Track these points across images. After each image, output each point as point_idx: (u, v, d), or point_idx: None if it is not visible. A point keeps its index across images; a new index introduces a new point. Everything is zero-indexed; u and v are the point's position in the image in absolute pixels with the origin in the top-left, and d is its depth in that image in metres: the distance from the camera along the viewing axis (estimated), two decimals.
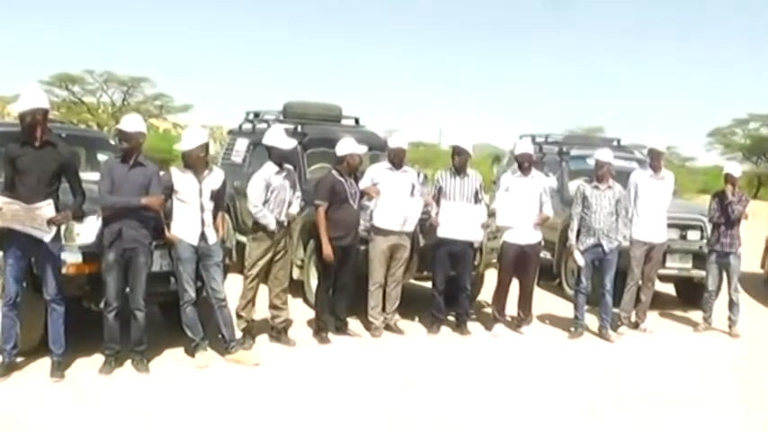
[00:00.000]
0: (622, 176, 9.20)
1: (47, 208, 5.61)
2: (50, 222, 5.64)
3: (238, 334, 6.87)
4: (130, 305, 6.15)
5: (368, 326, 7.84)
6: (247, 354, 6.72)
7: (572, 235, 8.22)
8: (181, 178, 6.38)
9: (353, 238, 7.43)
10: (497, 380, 6.69)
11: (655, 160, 8.72)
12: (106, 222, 6.05)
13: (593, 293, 8.28)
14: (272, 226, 6.89)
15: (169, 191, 6.34)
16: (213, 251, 6.50)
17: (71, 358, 6.15)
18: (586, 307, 8.34)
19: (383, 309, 7.83)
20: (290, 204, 7.07)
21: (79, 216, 6.03)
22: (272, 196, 6.92)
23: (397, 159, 7.82)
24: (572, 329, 8.33)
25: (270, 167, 7.00)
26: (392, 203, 7.63)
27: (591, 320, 8.48)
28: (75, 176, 5.90)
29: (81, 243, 6.17)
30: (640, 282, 8.67)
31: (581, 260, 8.13)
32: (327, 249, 7.20)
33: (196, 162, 6.39)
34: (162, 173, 6.49)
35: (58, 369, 5.92)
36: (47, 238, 5.67)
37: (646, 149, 9.05)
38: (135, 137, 6.10)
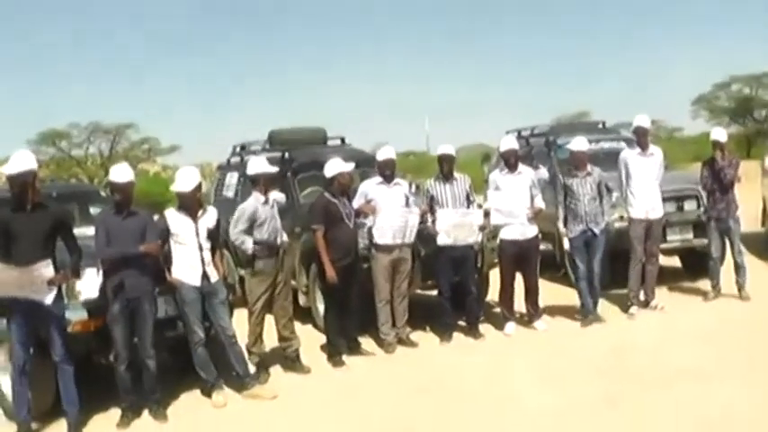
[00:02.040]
0: (612, 157, 9.23)
1: (45, 269, 5.59)
2: (50, 283, 5.61)
3: (252, 369, 6.85)
4: (140, 354, 6.12)
5: (380, 343, 7.80)
6: (264, 388, 6.68)
7: (560, 224, 8.34)
8: (176, 221, 6.37)
9: (354, 257, 7.41)
10: (514, 380, 6.67)
11: (641, 137, 8.74)
12: (107, 275, 6.03)
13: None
14: (250, 250, 6.88)
15: (166, 235, 6.33)
16: (217, 289, 6.48)
17: (87, 416, 6.11)
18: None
19: (393, 324, 7.80)
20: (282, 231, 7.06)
21: (77, 273, 6.01)
22: (261, 227, 6.89)
23: (389, 171, 7.80)
24: (582, 318, 8.30)
25: (256, 198, 6.99)
26: (389, 218, 7.60)
27: (603, 305, 8.47)
28: (70, 234, 5.89)
29: (84, 299, 6.16)
30: (644, 259, 8.64)
31: (567, 245, 8.32)
32: (330, 272, 7.17)
33: (192, 202, 6.38)
34: (156, 217, 6.49)
35: (75, 429, 5.89)
36: (48, 299, 5.65)
37: (632, 128, 9.06)
38: (126, 187, 6.09)
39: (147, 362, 6.14)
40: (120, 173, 6.14)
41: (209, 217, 6.50)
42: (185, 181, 6.38)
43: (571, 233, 8.21)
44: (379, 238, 7.59)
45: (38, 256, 5.60)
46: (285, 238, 7.15)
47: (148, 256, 6.07)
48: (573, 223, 8.21)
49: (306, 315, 8.51)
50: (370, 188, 7.82)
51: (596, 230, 8.15)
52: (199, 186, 6.47)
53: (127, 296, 5.99)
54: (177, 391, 6.65)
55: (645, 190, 8.59)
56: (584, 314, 8.29)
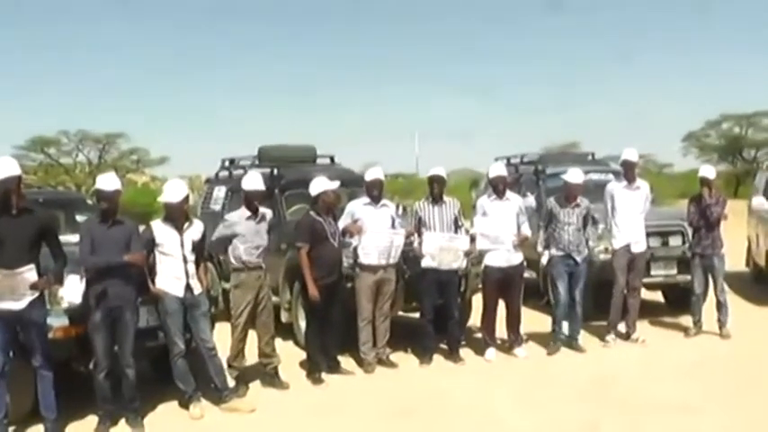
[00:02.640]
0: (600, 189, 9.33)
1: (29, 273, 5.62)
2: (32, 287, 5.63)
3: (231, 382, 6.87)
4: (120, 363, 6.13)
5: (360, 362, 7.83)
6: (242, 401, 6.71)
7: (539, 246, 8.49)
8: (162, 232, 6.42)
9: (337, 276, 7.46)
10: (494, 404, 6.71)
11: (628, 170, 8.84)
12: (90, 283, 6.04)
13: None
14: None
15: (151, 245, 6.37)
16: (200, 301, 6.52)
17: (65, 423, 6.10)
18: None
19: (374, 344, 7.84)
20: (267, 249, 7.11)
21: (61, 279, 6.04)
22: (242, 242, 6.96)
23: (376, 192, 7.87)
24: (551, 343, 8.40)
25: (242, 212, 7.07)
26: (375, 239, 7.67)
27: (584, 335, 8.56)
28: (55, 240, 5.92)
29: (66, 306, 6.17)
30: (626, 292, 8.73)
31: (544, 260, 8.44)
32: (313, 290, 7.22)
33: (178, 214, 6.44)
34: (142, 228, 6.53)
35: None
36: (23, 303, 5.63)
37: (620, 161, 9.18)
38: (113, 196, 6.13)
39: (126, 371, 6.14)
40: (108, 181, 6.18)
41: (195, 229, 6.55)
42: (173, 192, 6.44)
43: (551, 256, 8.35)
44: (364, 258, 7.65)
45: (23, 260, 5.62)
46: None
47: (132, 265, 6.11)
48: (555, 249, 8.35)
49: (287, 331, 8.54)
50: (357, 208, 7.88)
51: (578, 259, 8.27)
52: (186, 198, 6.54)
53: (109, 305, 6.01)
54: (155, 401, 6.65)
55: (629, 223, 8.69)
56: (554, 340, 8.39)
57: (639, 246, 8.74)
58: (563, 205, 8.34)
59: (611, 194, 8.84)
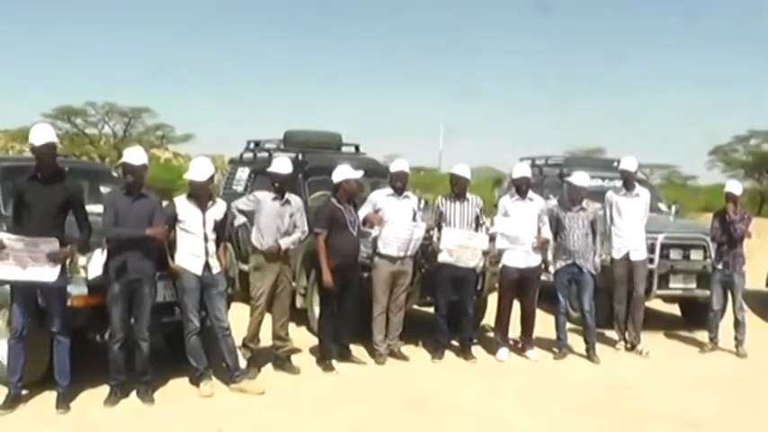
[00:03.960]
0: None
1: (52, 244, 5.69)
2: (53, 257, 5.70)
3: (243, 363, 6.94)
4: (135, 336, 6.21)
5: (372, 353, 7.88)
6: (252, 382, 6.76)
7: (549, 254, 8.46)
8: (185, 209, 6.47)
9: (354, 264, 7.50)
10: (502, 404, 6.73)
11: (627, 179, 8.87)
12: (111, 254, 6.10)
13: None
14: (238, 221, 7.19)
15: (173, 221, 6.43)
16: (217, 280, 6.58)
17: (77, 390, 6.20)
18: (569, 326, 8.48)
19: (386, 335, 7.88)
20: (288, 235, 7.15)
21: (85, 249, 6.11)
22: (263, 221, 7.03)
23: (400, 184, 7.89)
24: (555, 350, 8.41)
25: (267, 193, 7.14)
26: (395, 230, 7.69)
27: (600, 342, 8.55)
28: (82, 210, 6.01)
29: (86, 275, 6.23)
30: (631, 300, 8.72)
31: (551, 269, 8.44)
32: (327, 276, 7.25)
33: (203, 192, 6.50)
34: (165, 203, 6.59)
35: (64, 401, 5.98)
36: (51, 277, 5.73)
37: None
38: (139, 169, 6.19)
39: (140, 344, 6.22)
40: (135, 155, 6.24)
41: (218, 209, 6.60)
42: (200, 170, 6.49)
43: (557, 265, 8.32)
44: (383, 248, 7.68)
45: (48, 226, 5.73)
46: (292, 239, 7.20)
47: (153, 239, 6.16)
48: (560, 256, 8.32)
49: (301, 317, 8.58)
50: (380, 198, 7.91)
51: (583, 267, 8.22)
52: (212, 178, 6.60)
53: (128, 277, 6.08)
54: (167, 376, 6.72)
55: (628, 231, 8.69)
56: (559, 346, 8.39)
57: (639, 254, 8.72)
58: (568, 209, 8.29)
59: (609, 202, 8.84)
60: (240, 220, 7.29)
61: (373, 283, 7.75)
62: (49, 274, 5.74)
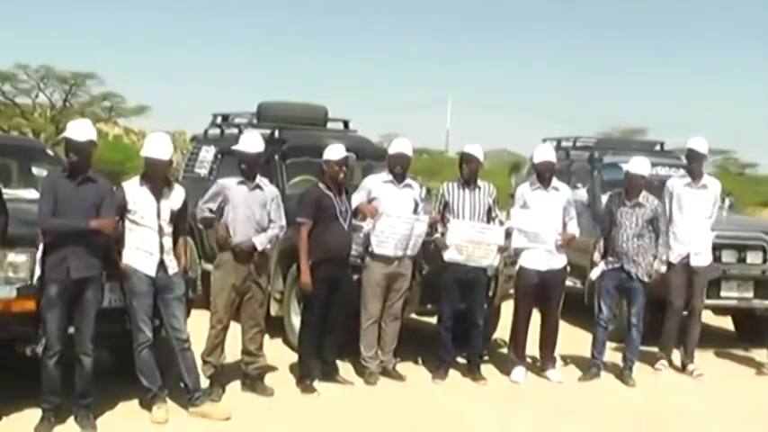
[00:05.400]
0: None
1: None
2: None
3: (204, 382, 6.93)
4: (76, 349, 6.16)
5: (361, 371, 7.89)
6: (216, 406, 6.76)
7: (596, 254, 8.43)
8: (136, 196, 6.44)
9: (343, 263, 7.50)
10: None
11: (694, 164, 8.80)
12: (48, 249, 6.05)
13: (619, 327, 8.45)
14: (206, 215, 7.15)
15: (121, 211, 6.40)
16: (174, 283, 6.57)
17: (5, 410, 6.19)
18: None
19: (379, 350, 7.88)
20: (263, 230, 7.14)
21: (8, 242, 6.08)
22: (231, 212, 7.03)
23: (400, 169, 7.88)
24: (586, 369, 8.42)
25: (232, 177, 7.16)
26: (392, 224, 7.67)
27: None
28: None
29: (13, 275, 6.21)
30: (684, 313, 8.72)
31: (595, 274, 8.36)
32: (306, 277, 7.27)
33: (161, 175, 6.49)
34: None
35: None
36: None
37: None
38: (85, 147, 6.15)
39: (82, 358, 6.17)
40: (81, 129, 6.18)
41: (175, 196, 6.58)
42: (159, 147, 6.46)
43: (604, 267, 8.31)
44: (377, 247, 7.66)
45: None
46: (269, 236, 7.20)
47: (99, 233, 6.12)
48: (608, 258, 8.29)
49: (277, 327, 8.59)
50: (375, 185, 7.89)
51: (633, 273, 8.20)
52: (171, 158, 6.58)
53: (69, 278, 6.03)
54: (112, 397, 6.69)
55: (690, 230, 8.64)
56: (591, 365, 8.41)
57: (701, 259, 8.70)
58: (623, 203, 8.25)
59: (671, 193, 8.79)
60: (208, 213, 7.20)
61: (363, 287, 7.75)
62: None
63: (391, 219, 7.67)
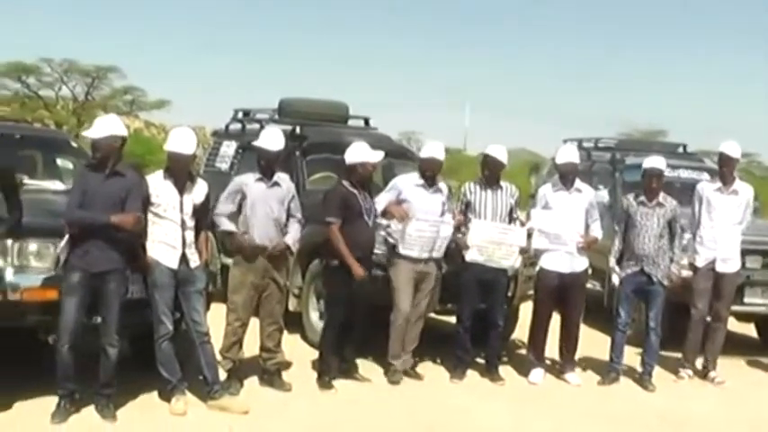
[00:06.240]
0: (689, 190, 9.20)
1: None
2: None
3: (223, 376, 6.94)
4: (102, 339, 6.20)
5: (377, 368, 7.91)
6: (234, 399, 6.77)
7: (612, 258, 8.34)
8: (159, 189, 6.46)
9: (368, 261, 7.49)
10: None
11: (726, 168, 8.70)
12: (73, 241, 6.09)
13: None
14: (226, 228, 7.08)
15: (145, 204, 6.41)
16: (195, 276, 6.59)
17: (12, 400, 6.23)
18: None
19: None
20: (283, 226, 7.15)
21: (30, 232, 6.12)
22: (249, 210, 7.02)
23: (431, 173, 7.83)
24: (605, 374, 8.37)
25: (250, 174, 7.15)
26: (420, 228, 7.61)
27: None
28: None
29: (37, 264, 6.26)
30: (708, 319, 8.65)
31: (616, 280, 8.28)
32: (358, 270, 7.21)
33: (184, 169, 6.49)
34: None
35: None
36: None
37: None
38: (104, 144, 6.13)
39: (107, 349, 6.20)
40: (98, 127, 6.15)
41: (198, 190, 6.60)
42: (183, 141, 6.46)
43: (622, 272, 8.24)
44: (403, 249, 7.62)
45: None
46: (293, 236, 7.20)
47: (121, 228, 6.11)
48: (626, 261, 8.23)
49: (295, 322, 8.60)
50: (407, 188, 7.80)
51: (653, 276, 8.14)
52: (195, 157, 6.60)
53: (91, 270, 6.06)
54: (132, 387, 6.70)
55: (718, 235, 8.52)
56: (609, 369, 8.35)
57: (730, 265, 8.59)
58: (642, 204, 8.19)
59: (700, 197, 8.70)
60: (228, 226, 7.16)
61: (394, 286, 7.69)
62: None
63: (420, 223, 7.61)
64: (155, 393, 6.74)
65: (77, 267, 6.05)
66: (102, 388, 6.28)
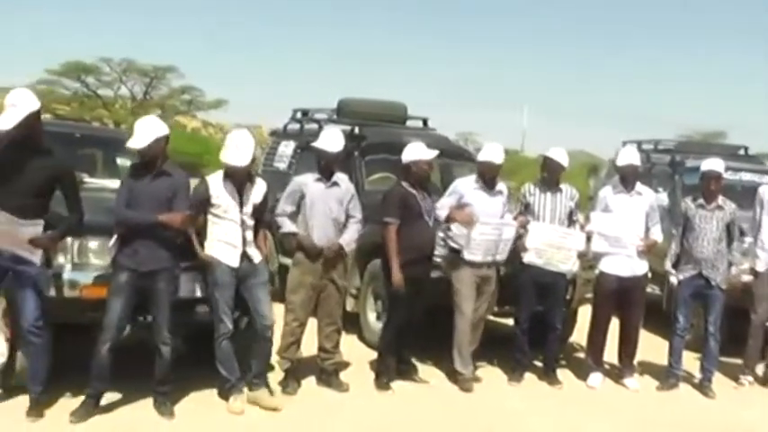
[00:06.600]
0: (751, 193, 9.05)
1: (32, 228, 5.75)
2: (32, 244, 5.76)
3: (281, 375, 7.03)
4: (155, 338, 6.25)
5: (433, 370, 7.89)
6: (267, 395, 6.76)
7: (668, 261, 8.22)
8: (219, 190, 6.50)
9: (428, 262, 7.47)
10: None
11: None
12: (121, 240, 6.14)
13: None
14: (289, 229, 7.08)
15: (204, 204, 6.47)
16: (258, 270, 6.63)
17: (57, 396, 6.27)
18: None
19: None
20: (342, 226, 7.15)
21: (88, 230, 6.18)
22: (308, 210, 7.03)
23: (489, 177, 7.75)
24: (664, 379, 8.26)
25: (309, 174, 7.16)
26: (484, 232, 7.54)
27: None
28: (72, 189, 6.03)
29: (92, 262, 6.36)
30: None
31: (674, 281, 8.18)
32: (398, 277, 7.18)
33: (241, 174, 6.51)
34: (196, 181, 6.62)
35: (36, 409, 6.02)
36: (35, 259, 5.81)
37: None
38: (150, 150, 6.13)
39: (161, 348, 6.25)
40: (137, 137, 6.13)
41: (258, 190, 6.64)
42: (240, 154, 6.43)
43: (680, 276, 8.12)
44: (468, 254, 7.52)
45: (27, 203, 5.76)
46: (351, 236, 7.22)
47: (168, 227, 6.13)
48: (684, 264, 8.11)
49: (352, 322, 8.60)
50: (467, 190, 7.72)
51: (712, 279, 8.01)
52: (253, 160, 6.61)
53: (140, 269, 6.10)
54: (190, 386, 6.77)
55: None
56: (668, 375, 8.24)
57: None
58: (701, 207, 8.06)
59: (761, 200, 8.55)
60: (290, 228, 7.17)
61: (456, 290, 7.62)
62: (33, 256, 5.80)
63: (484, 226, 7.53)
64: (213, 391, 6.77)
65: (126, 267, 6.09)
66: (158, 385, 6.33)
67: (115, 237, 6.17)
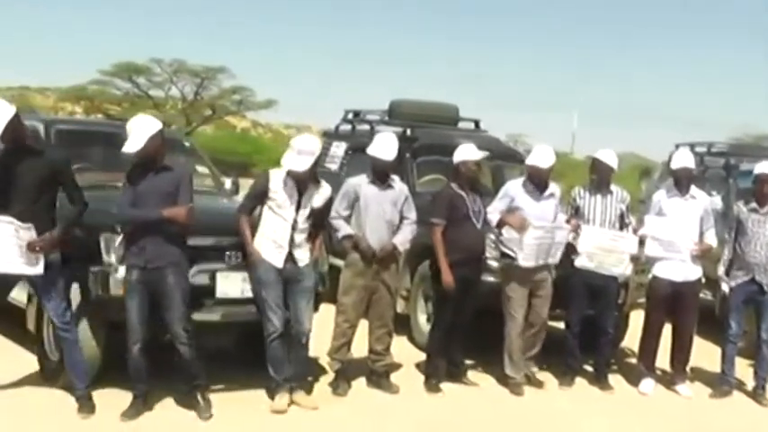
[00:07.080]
0: None
1: (25, 232, 5.80)
2: (30, 248, 5.82)
3: (331, 376, 7.05)
4: (172, 338, 6.20)
5: (483, 373, 7.87)
6: (305, 397, 6.76)
7: (721, 267, 8.08)
8: (279, 185, 6.50)
9: (477, 264, 7.43)
10: None
11: None
12: (129, 239, 6.17)
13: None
14: (346, 232, 7.07)
15: (262, 197, 6.51)
16: (302, 274, 6.62)
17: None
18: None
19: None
20: (395, 228, 7.15)
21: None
22: (363, 211, 7.03)
23: (538, 181, 7.65)
24: (716, 386, 8.12)
25: (363, 176, 7.16)
26: (537, 236, 7.44)
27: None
28: (71, 182, 6.11)
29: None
30: None
31: (725, 287, 8.03)
32: (448, 277, 7.16)
33: (302, 177, 6.51)
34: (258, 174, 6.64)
35: (81, 405, 6.12)
36: (33, 271, 5.89)
37: None
38: (146, 150, 6.08)
39: (179, 349, 6.18)
40: (129, 143, 6.11)
41: (320, 194, 6.65)
42: (300, 159, 6.42)
43: (732, 281, 7.98)
44: (523, 261, 7.43)
45: (30, 202, 5.86)
46: (405, 237, 7.22)
47: (173, 222, 6.09)
48: (736, 270, 7.97)
49: (403, 324, 8.58)
50: (519, 195, 7.63)
51: (765, 285, 7.85)
52: (316, 163, 6.57)
53: (148, 265, 6.09)
54: (235, 384, 6.85)
55: None
56: (721, 382, 8.10)
57: None
58: (754, 210, 7.91)
59: None
60: (347, 230, 7.16)
61: (508, 295, 7.56)
62: (32, 269, 5.88)
63: (536, 231, 7.43)
64: (259, 391, 6.79)
65: (135, 265, 6.10)
66: (190, 380, 6.33)
67: (121, 236, 6.23)
